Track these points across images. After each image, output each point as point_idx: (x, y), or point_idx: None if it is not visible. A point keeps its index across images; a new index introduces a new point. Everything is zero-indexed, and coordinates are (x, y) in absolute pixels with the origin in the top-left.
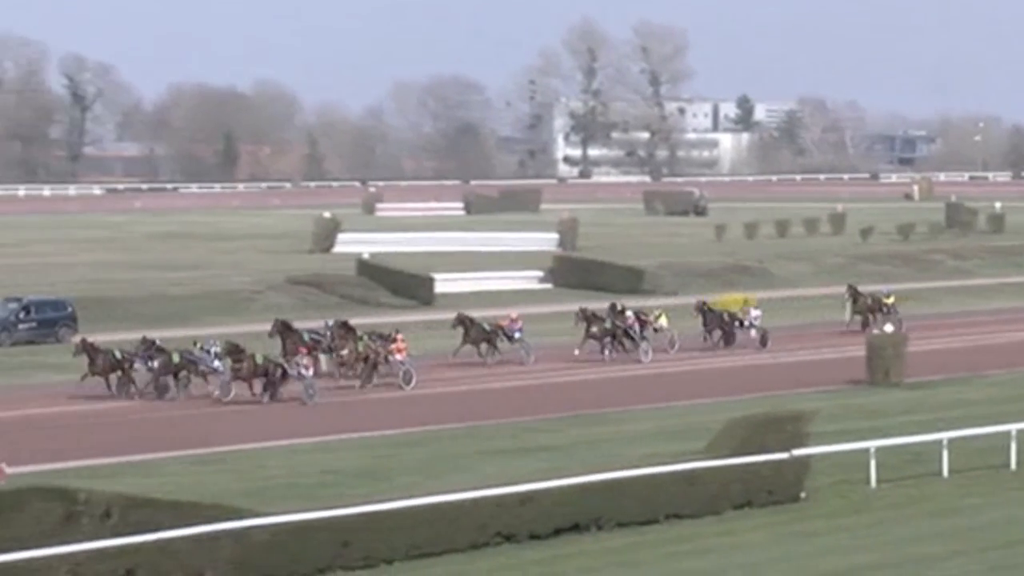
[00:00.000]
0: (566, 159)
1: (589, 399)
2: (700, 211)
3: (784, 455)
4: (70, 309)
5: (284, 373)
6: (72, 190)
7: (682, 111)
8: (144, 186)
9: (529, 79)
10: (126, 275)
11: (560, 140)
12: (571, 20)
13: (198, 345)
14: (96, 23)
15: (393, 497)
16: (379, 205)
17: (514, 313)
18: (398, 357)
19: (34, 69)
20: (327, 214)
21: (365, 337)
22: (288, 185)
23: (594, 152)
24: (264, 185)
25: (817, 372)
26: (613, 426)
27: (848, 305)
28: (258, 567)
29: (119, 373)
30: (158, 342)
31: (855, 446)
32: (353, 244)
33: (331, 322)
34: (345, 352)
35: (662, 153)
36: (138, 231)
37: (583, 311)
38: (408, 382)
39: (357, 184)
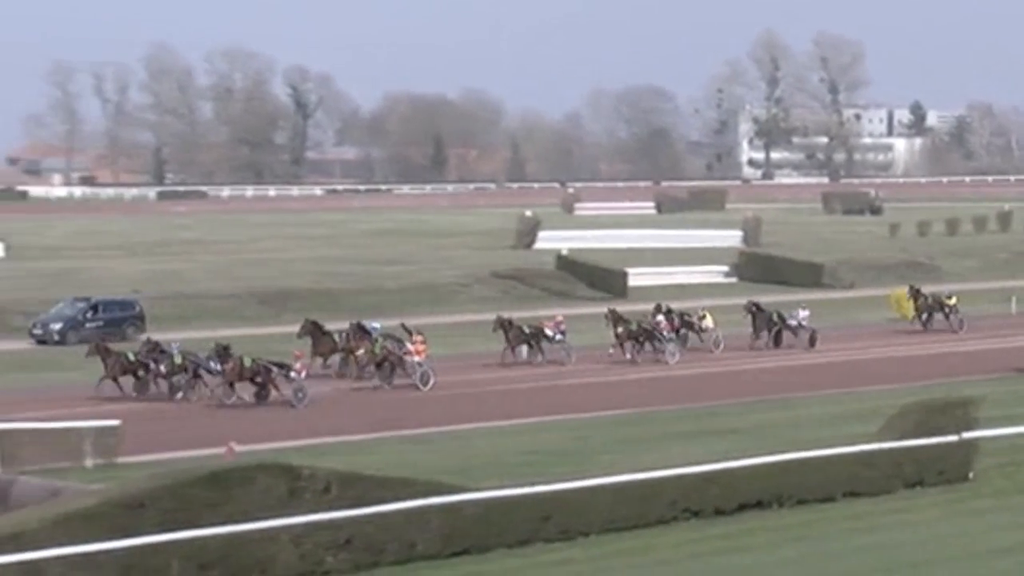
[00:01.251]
0: (750, 162)
1: (767, 386)
2: (875, 210)
3: (954, 437)
4: (137, 308)
5: (269, 374)
6: (295, 191)
7: (858, 117)
8: (361, 187)
9: (716, 87)
10: (345, 269)
11: (744, 144)
12: (755, 33)
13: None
14: (317, 37)
15: (590, 475)
16: (577, 205)
17: (559, 316)
18: (416, 358)
19: (261, 80)
20: (529, 213)
21: (380, 339)
22: (493, 186)
23: (776, 155)
24: (471, 186)
25: (984, 360)
26: (791, 411)
27: (911, 304)
28: (465, 539)
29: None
30: (161, 345)
31: (1021, 430)
32: (553, 241)
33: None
34: (360, 353)
35: (840, 156)
36: (355, 228)
37: (611, 312)
38: (425, 382)
39: (556, 185)
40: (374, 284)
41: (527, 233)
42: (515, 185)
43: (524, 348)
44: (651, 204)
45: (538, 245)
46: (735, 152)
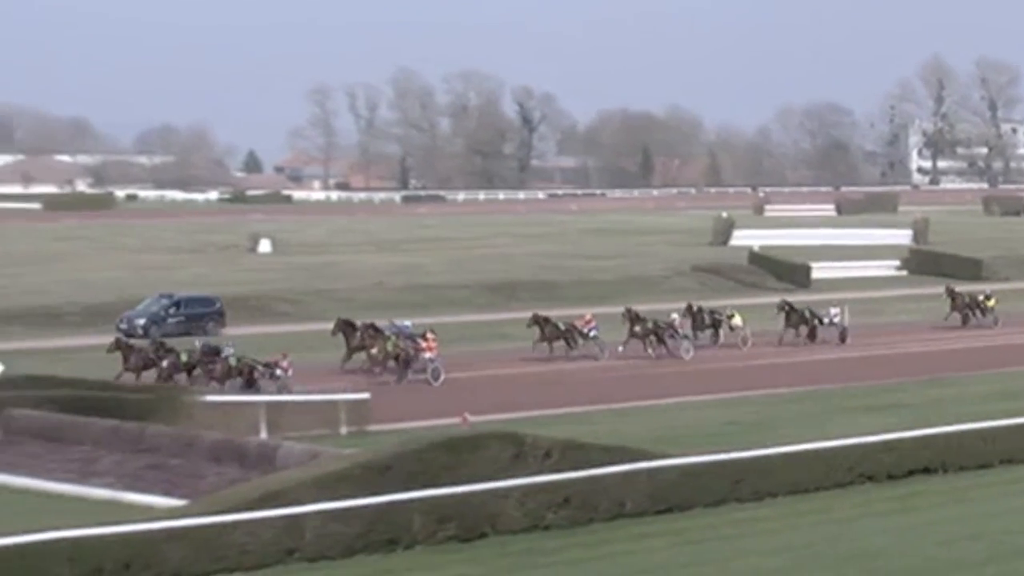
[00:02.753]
0: (919, 170)
1: (931, 366)
2: None
3: None
4: (218, 305)
5: (251, 373)
6: (521, 195)
7: (1015, 130)
8: (578, 192)
9: (889, 104)
10: (563, 263)
11: (914, 154)
12: (924, 57)
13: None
14: (542, 60)
15: (777, 444)
16: (766, 207)
17: (588, 314)
18: (427, 355)
19: (492, 98)
20: (724, 214)
21: (392, 338)
22: (693, 191)
23: (942, 164)
24: (674, 191)
25: None
26: (950, 388)
27: (948, 303)
28: (668, 498)
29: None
30: (166, 343)
31: None
32: (745, 238)
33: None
34: (375, 351)
35: (998, 165)
36: (573, 228)
37: (628, 311)
38: (436, 378)
39: (748, 190)
40: (588, 276)
41: (723, 232)
42: (712, 190)
43: (560, 343)
44: (831, 207)
45: (732, 242)
46: (906, 161)
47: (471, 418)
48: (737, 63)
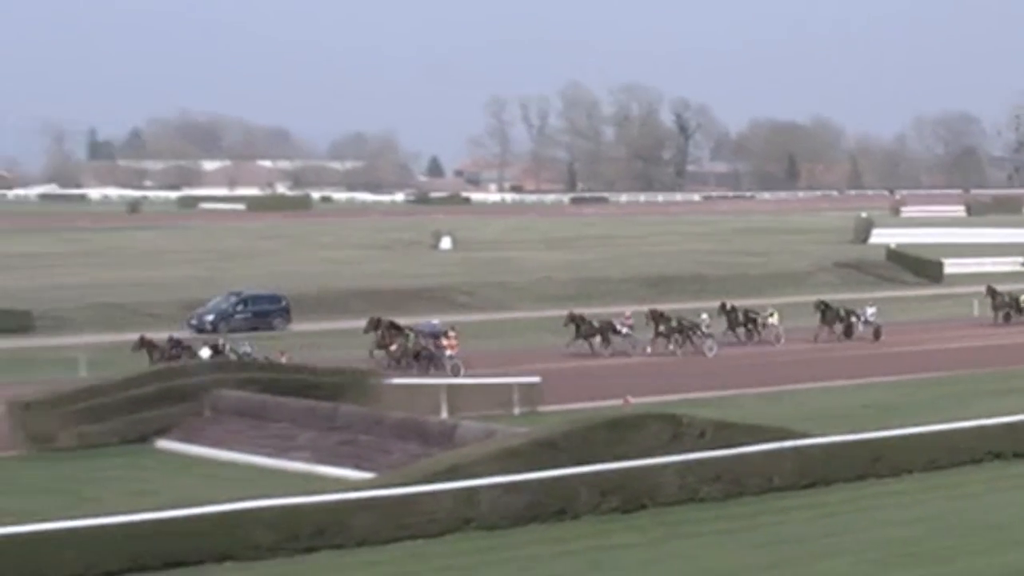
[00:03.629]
0: None
1: None
2: None
3: None
4: (284, 302)
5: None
6: (678, 197)
7: None
8: (730, 194)
9: (1015, 114)
10: (716, 259)
11: None
12: None
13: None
14: (697, 73)
15: (911, 424)
16: (902, 208)
17: (627, 311)
18: (449, 352)
19: (652, 109)
20: (864, 214)
21: (412, 336)
22: (835, 193)
23: None
24: (817, 193)
25: None
26: None
27: (989, 302)
28: (811, 474)
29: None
30: (183, 342)
31: None
32: (883, 237)
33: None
34: (394, 348)
35: None
36: (725, 227)
37: (652, 312)
38: (456, 373)
39: (886, 192)
40: (739, 271)
41: (862, 231)
42: (853, 192)
43: (596, 339)
44: (962, 208)
45: (871, 240)
46: None
47: (632, 400)
48: (875, 76)
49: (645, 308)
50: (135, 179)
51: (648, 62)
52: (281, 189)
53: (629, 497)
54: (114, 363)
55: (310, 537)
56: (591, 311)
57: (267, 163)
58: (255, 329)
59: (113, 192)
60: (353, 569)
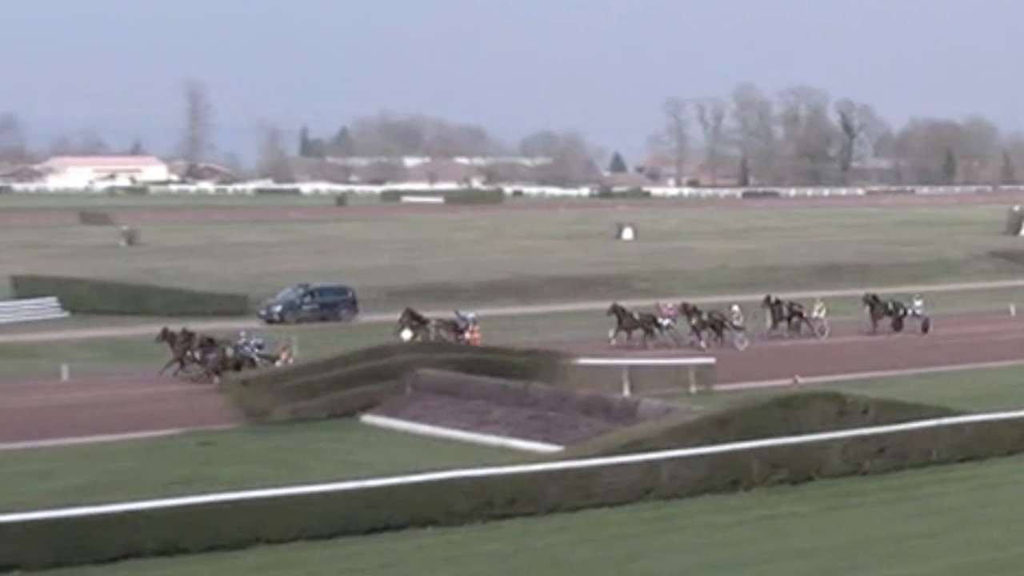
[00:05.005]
0: None
1: None
2: None
3: None
4: (350, 294)
5: (253, 363)
6: (843, 191)
7: None
8: (891, 188)
9: None
10: (878, 248)
11: None
12: None
13: (245, 339)
14: (861, 75)
15: None
16: None
17: (669, 304)
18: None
19: (819, 109)
20: (1016, 208)
21: (434, 327)
22: (989, 188)
23: None
24: (973, 188)
25: None
26: None
27: None
28: (968, 449)
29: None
30: (212, 338)
31: None
32: None
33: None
34: (418, 339)
35: None
36: (886, 219)
37: (684, 306)
38: None
39: None
40: (899, 260)
41: (1015, 223)
42: (1006, 187)
43: (637, 332)
44: None
45: (1023, 232)
46: None
47: (800, 380)
48: None
49: (754, 297)
50: (342, 175)
51: (816, 64)
52: (476, 184)
53: (797, 470)
54: (324, 344)
55: (503, 505)
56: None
57: (464, 160)
58: (323, 320)
59: (323, 187)
60: (543, 534)
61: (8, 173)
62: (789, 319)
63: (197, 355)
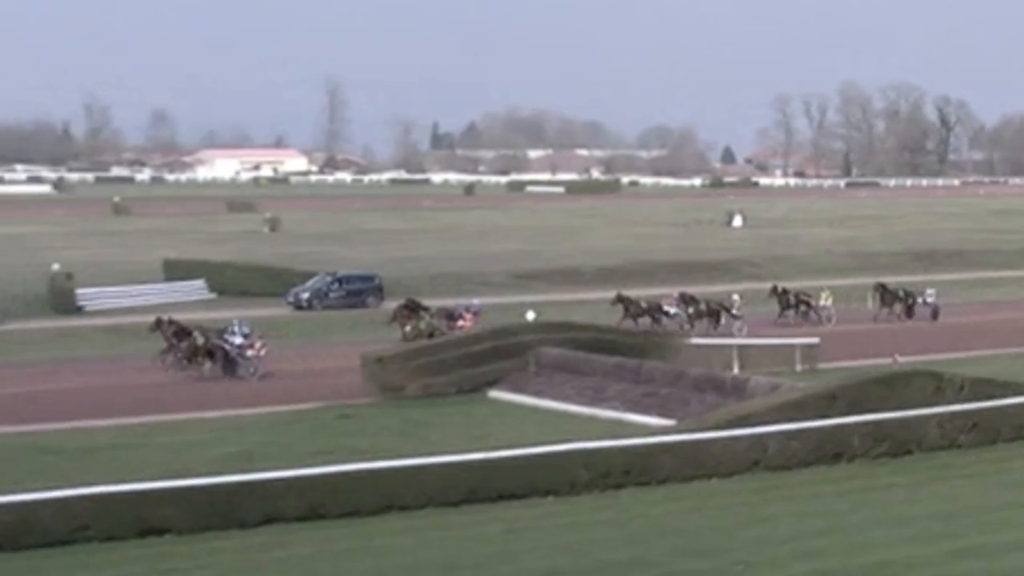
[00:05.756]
0: None
1: None
2: None
3: None
4: (377, 281)
5: (226, 353)
6: (940, 182)
7: None
8: (985, 180)
9: None
10: (974, 236)
11: None
12: None
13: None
14: (957, 72)
15: None
16: None
17: (674, 293)
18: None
19: (918, 105)
20: None
21: (426, 316)
22: None
23: None
24: None
25: None
26: None
27: None
28: None
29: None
30: (186, 327)
31: None
32: None
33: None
34: (408, 328)
35: None
36: (981, 208)
37: (682, 296)
38: None
39: None
40: (994, 247)
41: None
42: None
43: (644, 319)
44: None
45: None
46: None
47: (900, 359)
48: None
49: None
50: (470, 165)
51: (915, 62)
52: (595, 174)
53: (897, 443)
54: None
55: (619, 475)
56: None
57: (583, 152)
58: (351, 307)
59: (452, 177)
60: (657, 504)
61: (161, 164)
62: (796, 307)
63: (172, 343)
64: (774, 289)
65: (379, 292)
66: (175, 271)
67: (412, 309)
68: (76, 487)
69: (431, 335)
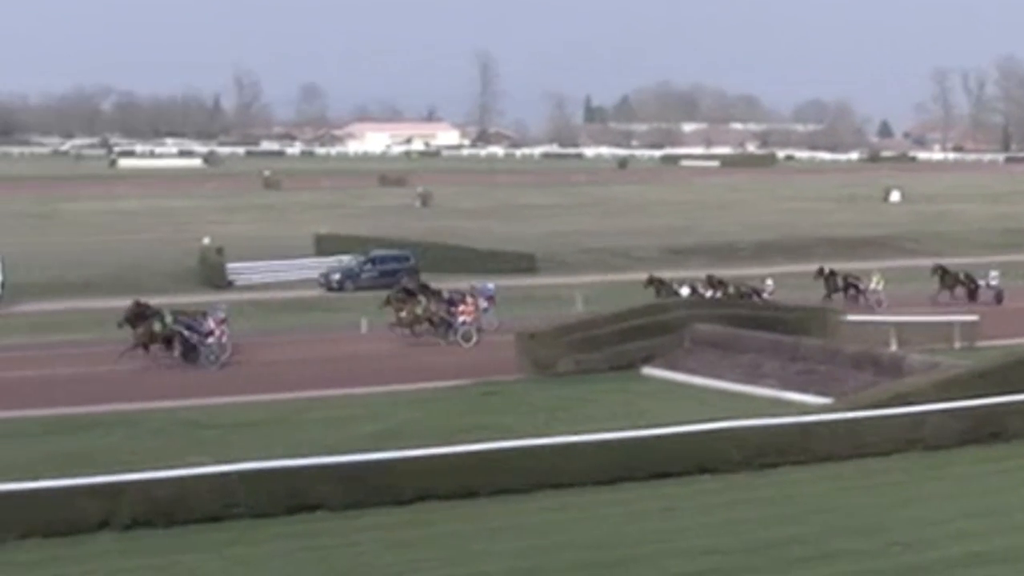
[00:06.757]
0: None
1: None
2: None
3: None
4: (412, 260)
5: (183, 338)
6: None
7: None
8: None
9: None
10: None
11: None
12: None
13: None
14: None
15: None
16: None
17: (702, 276)
18: (461, 318)
19: None
20: None
21: (424, 301)
22: None
23: None
24: None
25: None
26: None
27: None
28: None
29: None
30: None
31: None
32: None
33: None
34: (403, 314)
35: None
36: None
37: (709, 279)
38: (467, 340)
39: None
40: None
41: None
42: None
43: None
44: None
45: None
46: None
47: None
48: None
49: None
50: (623, 140)
51: None
52: (750, 149)
53: None
54: (605, 300)
55: (773, 455)
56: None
57: (738, 126)
58: (385, 288)
59: (605, 151)
60: (812, 482)
61: (311, 138)
62: (845, 290)
63: (131, 327)
64: (820, 271)
65: (414, 272)
66: (326, 246)
67: (409, 293)
68: (230, 463)
69: (431, 321)
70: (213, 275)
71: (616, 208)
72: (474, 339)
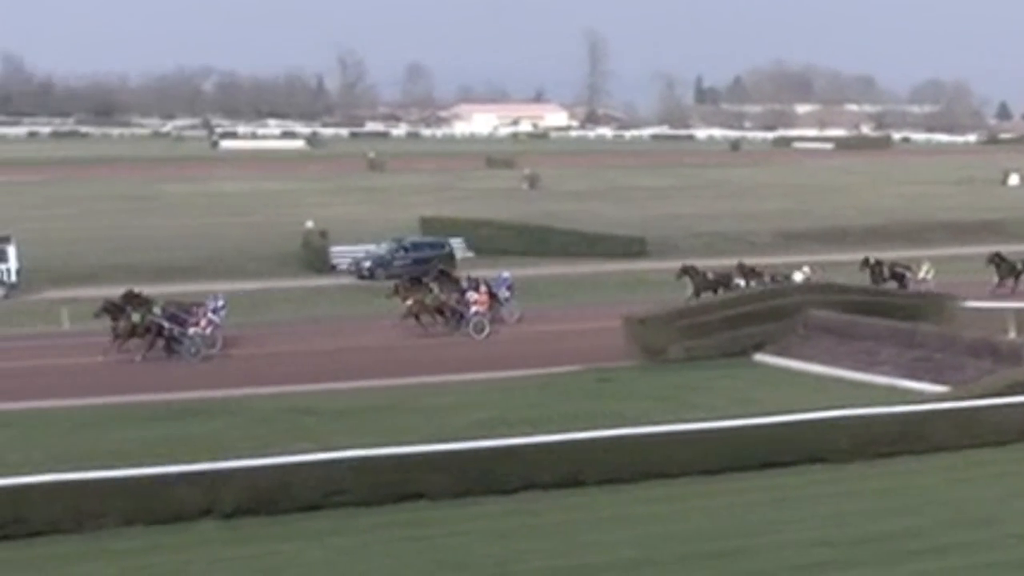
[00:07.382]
0: None
1: None
2: None
3: None
4: (447, 248)
5: (160, 331)
6: None
7: None
8: None
9: None
10: None
11: None
12: None
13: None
14: None
15: None
16: None
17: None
18: (475, 309)
19: None
20: None
21: (434, 289)
22: None
23: None
24: None
25: None
26: None
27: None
28: None
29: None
30: (118, 303)
31: None
32: None
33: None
34: (411, 303)
35: None
36: None
37: (740, 266)
38: (479, 331)
39: None
40: None
41: None
42: None
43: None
44: None
45: None
46: None
47: None
48: None
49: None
50: (736, 121)
51: None
52: (865, 130)
53: None
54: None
55: (889, 443)
56: None
57: (853, 107)
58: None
59: (717, 133)
60: (927, 473)
61: (417, 119)
62: (894, 280)
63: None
64: (866, 261)
65: (451, 259)
66: (432, 228)
67: (416, 282)
68: (335, 450)
69: (440, 311)
70: (316, 259)
71: (728, 191)
72: (486, 331)
